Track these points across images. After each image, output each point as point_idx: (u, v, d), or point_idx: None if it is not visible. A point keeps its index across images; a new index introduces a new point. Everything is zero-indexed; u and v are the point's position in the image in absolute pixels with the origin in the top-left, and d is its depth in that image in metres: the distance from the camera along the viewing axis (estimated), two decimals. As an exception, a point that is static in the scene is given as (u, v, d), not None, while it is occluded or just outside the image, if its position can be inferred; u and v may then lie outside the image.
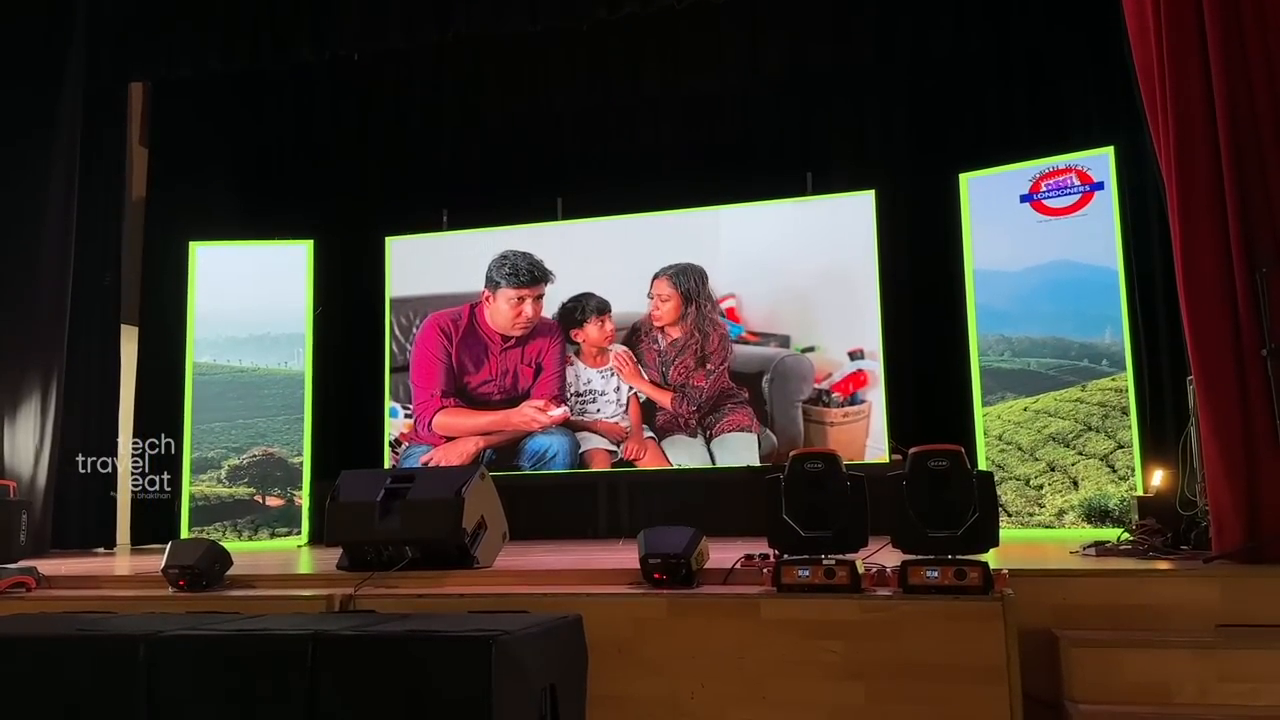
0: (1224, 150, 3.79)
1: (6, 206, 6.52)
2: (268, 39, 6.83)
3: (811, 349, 6.65)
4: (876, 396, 6.47)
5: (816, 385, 6.59)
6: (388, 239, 7.46)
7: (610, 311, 6.98)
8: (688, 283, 6.85)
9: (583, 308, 7.03)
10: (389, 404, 7.26)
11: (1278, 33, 3.83)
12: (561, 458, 6.95)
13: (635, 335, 6.93)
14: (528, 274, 7.12)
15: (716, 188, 6.94)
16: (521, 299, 7.10)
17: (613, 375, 6.87)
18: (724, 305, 6.80)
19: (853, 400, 6.53)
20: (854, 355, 6.56)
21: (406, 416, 7.25)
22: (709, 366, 6.74)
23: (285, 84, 7.85)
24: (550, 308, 7.10)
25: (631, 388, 6.86)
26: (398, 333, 7.33)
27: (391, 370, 7.30)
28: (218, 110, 7.78)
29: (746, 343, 6.76)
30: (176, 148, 7.71)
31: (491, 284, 7.17)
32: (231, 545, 4.55)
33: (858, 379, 6.53)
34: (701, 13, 6.54)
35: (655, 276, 6.92)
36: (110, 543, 6.85)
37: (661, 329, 6.88)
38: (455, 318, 7.22)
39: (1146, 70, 4.14)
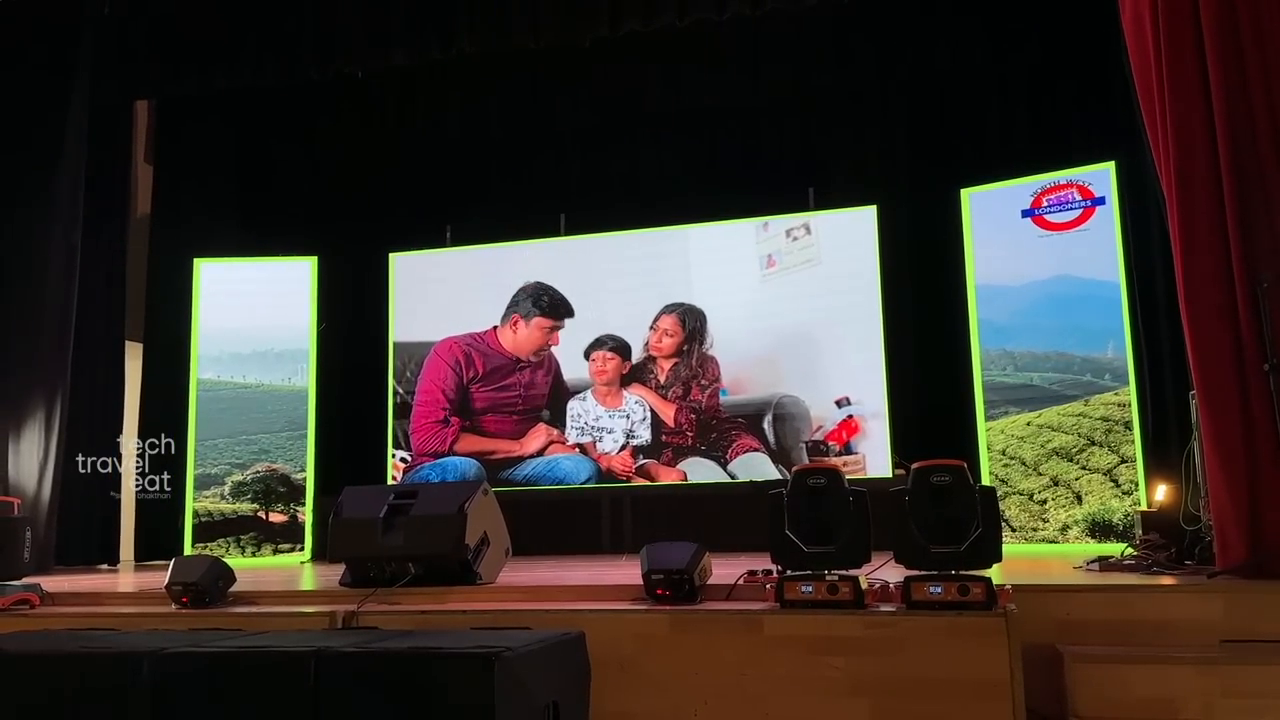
0: (1224, 165, 3.80)
1: (11, 223, 6.55)
2: (272, 56, 6.87)
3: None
4: (880, 412, 6.45)
5: (813, 437, 6.58)
6: (391, 255, 7.49)
7: (621, 354, 6.98)
8: (694, 323, 6.90)
9: (596, 342, 7.06)
10: (392, 422, 7.27)
11: (1276, 49, 3.85)
12: (592, 481, 6.94)
13: (641, 363, 6.97)
14: (564, 308, 7.17)
15: (719, 203, 6.96)
16: (554, 329, 7.15)
17: (625, 418, 6.89)
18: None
19: (848, 449, 6.49)
20: (840, 403, 6.54)
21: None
22: (702, 382, 6.78)
23: (289, 101, 7.88)
24: (573, 344, 7.12)
25: (632, 437, 6.88)
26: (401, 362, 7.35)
27: (396, 383, 7.31)
28: (222, 127, 7.82)
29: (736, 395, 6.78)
30: (181, 164, 7.75)
31: (524, 310, 7.19)
32: (234, 561, 4.56)
33: (849, 426, 6.50)
34: (703, 31, 6.57)
35: (662, 312, 6.95)
36: (114, 559, 6.85)
37: (656, 360, 6.93)
38: (468, 342, 7.24)
39: (1146, 86, 4.16)
